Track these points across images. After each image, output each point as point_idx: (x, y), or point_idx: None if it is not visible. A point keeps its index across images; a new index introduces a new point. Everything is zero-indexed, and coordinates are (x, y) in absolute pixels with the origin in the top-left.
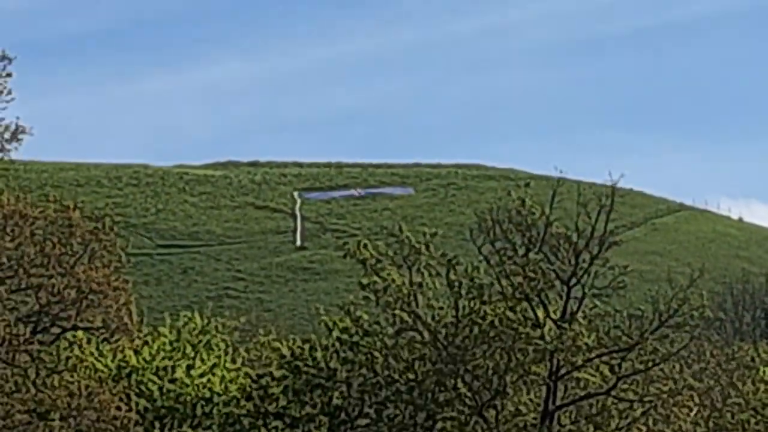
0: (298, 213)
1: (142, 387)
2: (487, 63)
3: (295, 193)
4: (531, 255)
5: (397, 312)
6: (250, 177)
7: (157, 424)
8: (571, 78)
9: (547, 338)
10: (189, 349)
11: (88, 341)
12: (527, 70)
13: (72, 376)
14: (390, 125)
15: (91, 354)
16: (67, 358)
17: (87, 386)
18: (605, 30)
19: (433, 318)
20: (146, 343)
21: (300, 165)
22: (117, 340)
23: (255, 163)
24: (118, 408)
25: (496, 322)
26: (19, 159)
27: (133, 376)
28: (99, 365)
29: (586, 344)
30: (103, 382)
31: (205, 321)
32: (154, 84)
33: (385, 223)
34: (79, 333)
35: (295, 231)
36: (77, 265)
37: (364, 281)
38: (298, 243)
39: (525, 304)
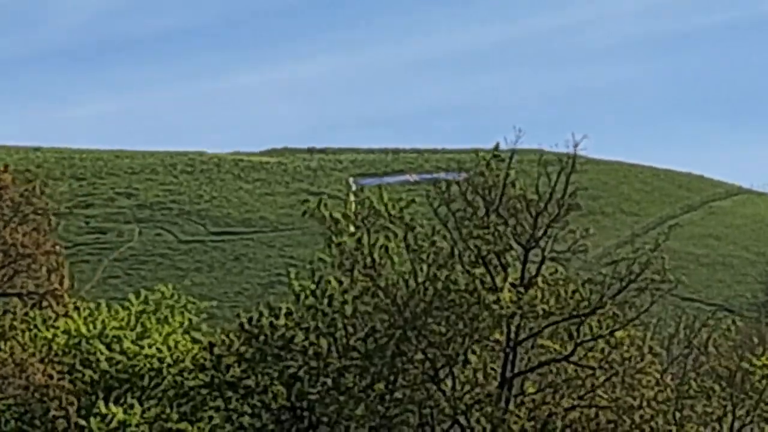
0: (352, 199)
1: (91, 357)
2: (563, 58)
3: (350, 179)
4: (492, 218)
5: (357, 276)
6: (306, 163)
7: (102, 395)
8: (641, 69)
9: (503, 303)
10: (151, 320)
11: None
12: (597, 64)
13: (3, 344)
14: (470, 119)
15: (25, 321)
16: None
17: (12, 352)
18: (674, 25)
19: (391, 282)
20: (86, 310)
21: (356, 151)
22: (47, 306)
23: (311, 149)
24: (50, 377)
25: (452, 287)
26: (75, 147)
27: (83, 345)
28: (32, 333)
29: (544, 310)
30: (36, 350)
31: (176, 296)
32: (243, 79)
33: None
34: (15, 299)
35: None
36: (5, 228)
37: (335, 240)
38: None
39: (482, 268)
